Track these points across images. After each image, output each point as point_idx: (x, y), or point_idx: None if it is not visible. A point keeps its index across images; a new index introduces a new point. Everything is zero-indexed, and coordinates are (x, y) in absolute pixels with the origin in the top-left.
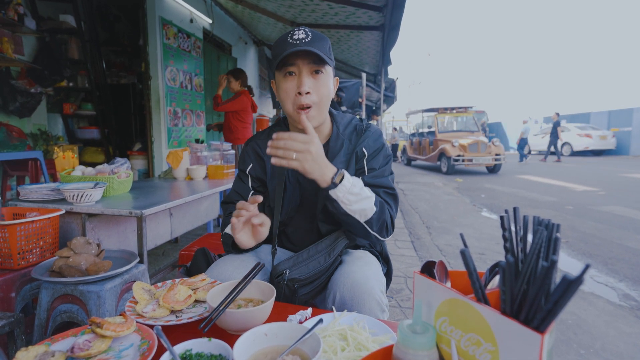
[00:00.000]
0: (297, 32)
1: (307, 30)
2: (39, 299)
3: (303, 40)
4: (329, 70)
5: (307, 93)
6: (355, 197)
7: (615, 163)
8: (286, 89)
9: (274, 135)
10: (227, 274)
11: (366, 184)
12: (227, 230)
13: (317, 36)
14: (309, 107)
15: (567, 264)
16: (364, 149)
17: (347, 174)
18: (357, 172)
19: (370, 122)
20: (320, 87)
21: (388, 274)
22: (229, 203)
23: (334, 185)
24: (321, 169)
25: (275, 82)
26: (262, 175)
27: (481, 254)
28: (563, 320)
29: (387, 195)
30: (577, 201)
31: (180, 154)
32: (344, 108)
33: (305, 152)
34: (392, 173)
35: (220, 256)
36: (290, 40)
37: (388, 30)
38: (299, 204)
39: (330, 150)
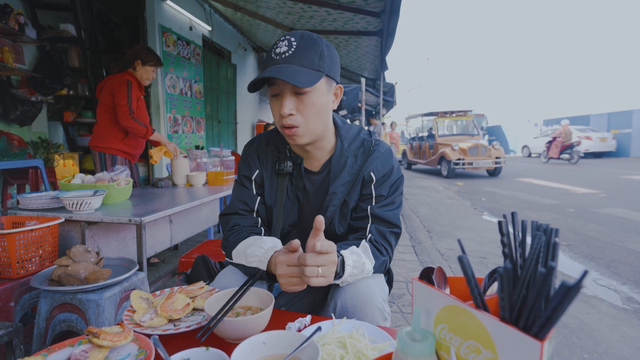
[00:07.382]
0: (280, 43)
1: (292, 39)
2: (38, 308)
3: (284, 55)
4: (318, 86)
5: (290, 115)
6: (357, 272)
7: (615, 165)
8: (273, 109)
9: (299, 258)
10: (237, 284)
11: (374, 216)
12: (254, 261)
13: (302, 47)
14: (295, 127)
15: (569, 267)
16: (372, 174)
17: (346, 255)
18: (364, 198)
19: (370, 126)
20: (305, 107)
21: (389, 282)
22: (232, 214)
23: (338, 276)
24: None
25: None
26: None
27: (483, 258)
28: (566, 324)
29: (392, 235)
30: (578, 204)
31: (160, 152)
32: (344, 112)
33: (329, 264)
34: (402, 194)
35: (220, 263)
36: (273, 55)
37: (386, 36)
38: (297, 220)
39: (332, 169)
